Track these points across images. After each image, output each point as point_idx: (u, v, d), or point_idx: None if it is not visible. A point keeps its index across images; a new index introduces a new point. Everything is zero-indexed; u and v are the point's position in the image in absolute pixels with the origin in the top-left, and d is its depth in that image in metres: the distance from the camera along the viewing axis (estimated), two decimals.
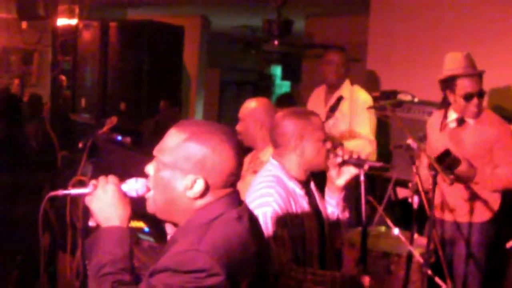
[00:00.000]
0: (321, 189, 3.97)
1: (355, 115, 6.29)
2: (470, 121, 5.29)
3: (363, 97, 6.36)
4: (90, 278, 2.49)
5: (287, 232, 3.54)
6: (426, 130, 5.59)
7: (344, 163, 3.78)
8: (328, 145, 3.77)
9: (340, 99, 6.46)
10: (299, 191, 3.70)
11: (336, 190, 3.89)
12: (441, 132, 5.44)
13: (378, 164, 3.89)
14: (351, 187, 4.02)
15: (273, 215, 3.52)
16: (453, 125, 5.38)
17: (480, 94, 5.19)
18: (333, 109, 6.44)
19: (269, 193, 3.59)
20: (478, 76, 5.23)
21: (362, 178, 3.73)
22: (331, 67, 6.55)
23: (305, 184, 3.78)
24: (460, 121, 5.33)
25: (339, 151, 3.78)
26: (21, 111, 7.79)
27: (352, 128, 6.29)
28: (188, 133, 2.46)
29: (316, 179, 3.96)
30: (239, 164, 2.52)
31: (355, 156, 3.79)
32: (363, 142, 6.13)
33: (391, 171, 5.71)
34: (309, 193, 3.80)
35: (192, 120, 2.61)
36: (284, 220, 3.54)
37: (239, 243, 2.41)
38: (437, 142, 5.40)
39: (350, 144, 5.87)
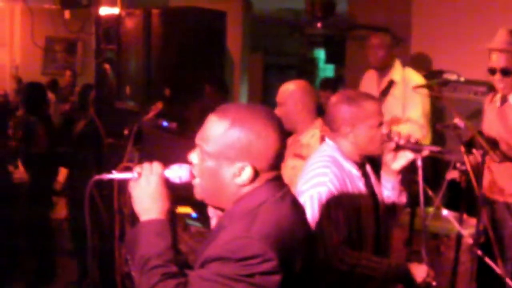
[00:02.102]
0: (378, 172, 3.94)
1: (407, 99, 6.21)
2: (511, 99, 5.23)
3: (415, 80, 6.25)
4: (136, 272, 2.47)
5: (342, 213, 3.51)
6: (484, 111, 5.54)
7: (399, 147, 3.73)
8: (384, 129, 3.71)
9: (391, 83, 6.40)
10: (355, 172, 3.67)
11: (392, 174, 3.83)
12: (490, 109, 5.40)
13: (436, 149, 3.82)
14: (407, 170, 3.96)
15: (328, 195, 3.49)
16: (497, 104, 5.34)
17: (504, 71, 5.13)
18: (384, 94, 6.38)
19: (325, 173, 3.57)
20: (509, 52, 5.15)
21: (419, 163, 3.68)
22: (372, 50, 6.51)
23: (361, 166, 3.75)
24: (503, 99, 5.28)
25: (394, 136, 3.73)
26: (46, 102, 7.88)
27: (398, 114, 6.20)
28: (230, 120, 2.42)
29: (373, 162, 3.93)
30: (283, 145, 2.49)
31: (412, 140, 3.74)
32: (412, 127, 6.03)
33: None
34: (365, 175, 3.77)
35: (232, 105, 2.53)
36: (339, 201, 3.50)
37: (289, 227, 2.39)
38: (486, 119, 5.36)
39: (401, 129, 5.79)
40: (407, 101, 6.21)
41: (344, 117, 3.67)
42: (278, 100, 4.91)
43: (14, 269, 6.83)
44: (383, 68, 6.49)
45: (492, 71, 5.16)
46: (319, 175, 3.58)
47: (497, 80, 5.17)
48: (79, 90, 7.92)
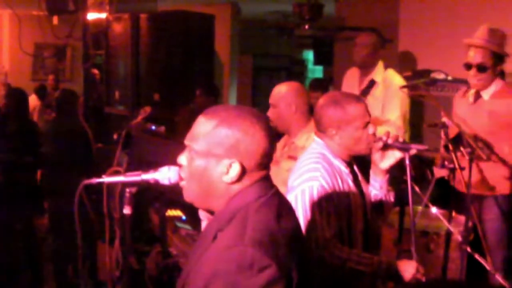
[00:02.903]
0: (365, 172, 3.97)
1: (386, 100, 6.24)
2: (485, 95, 5.29)
3: (397, 82, 6.27)
4: None
5: (333, 208, 3.55)
6: (453, 105, 5.59)
7: (387, 147, 3.76)
8: (371, 129, 3.75)
9: (372, 83, 6.42)
10: (344, 168, 3.72)
11: (380, 173, 3.88)
12: (461, 105, 5.46)
13: (423, 147, 3.85)
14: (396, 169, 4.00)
15: (320, 189, 3.54)
16: (470, 99, 5.40)
17: (480, 68, 5.18)
18: (364, 93, 6.40)
19: (316, 168, 3.62)
20: (486, 49, 5.20)
21: (407, 162, 3.71)
22: (358, 49, 6.55)
23: (349, 164, 3.80)
24: (476, 96, 5.34)
25: (383, 136, 3.76)
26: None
27: (378, 116, 6.22)
28: (217, 119, 2.45)
29: (360, 162, 3.97)
30: (272, 145, 2.50)
31: (400, 140, 3.77)
32: (389, 129, 6.06)
33: (431, 152, 5.68)
34: (353, 172, 3.81)
35: (220, 106, 2.55)
36: (330, 196, 3.56)
37: (280, 229, 2.40)
38: (457, 115, 5.40)
39: (379, 130, 5.79)
40: (386, 102, 6.23)
41: (330, 119, 3.72)
42: (271, 102, 4.90)
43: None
44: (366, 67, 6.52)
45: (468, 66, 5.24)
46: (311, 170, 3.63)
47: (471, 75, 5.24)
48: (57, 95, 7.87)
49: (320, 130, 3.80)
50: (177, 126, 7.40)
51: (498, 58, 5.24)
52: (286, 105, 4.82)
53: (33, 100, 12.88)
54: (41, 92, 13.35)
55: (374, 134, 3.77)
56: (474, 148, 4.54)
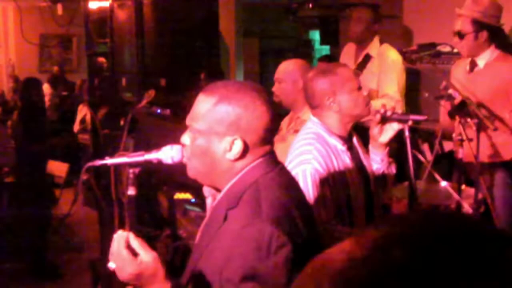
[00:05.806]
0: (365, 145, 3.97)
1: (383, 74, 6.22)
2: (480, 64, 5.29)
3: (392, 56, 6.28)
4: None
5: (329, 190, 3.53)
6: (450, 76, 5.59)
7: (386, 119, 3.76)
8: (365, 92, 3.76)
9: (367, 57, 6.42)
10: (340, 146, 3.69)
11: (379, 147, 3.88)
12: (458, 75, 5.46)
13: (421, 118, 3.85)
14: (395, 141, 4.00)
15: (313, 172, 3.52)
16: (467, 68, 5.41)
17: (459, 35, 5.27)
18: (360, 67, 6.40)
19: (308, 151, 3.59)
20: (466, 17, 5.27)
21: (407, 133, 3.71)
22: (353, 24, 6.55)
23: (347, 140, 3.77)
24: (472, 65, 5.34)
25: (381, 108, 3.76)
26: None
27: (380, 88, 6.23)
28: (217, 96, 2.44)
29: (359, 135, 3.96)
30: (273, 119, 2.50)
31: (399, 111, 3.77)
32: (388, 102, 6.06)
33: (436, 124, 5.66)
34: (351, 149, 3.79)
35: (219, 83, 2.56)
36: (324, 177, 3.53)
37: (292, 203, 2.41)
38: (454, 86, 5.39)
39: (375, 103, 5.81)
40: (382, 76, 6.23)
41: (323, 88, 3.71)
42: (277, 77, 5.00)
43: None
44: (362, 43, 6.51)
45: (454, 35, 5.28)
46: (303, 153, 3.61)
47: (455, 42, 5.30)
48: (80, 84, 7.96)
49: (315, 105, 3.78)
50: (185, 110, 7.41)
51: (480, 25, 5.23)
52: (293, 81, 4.90)
53: (46, 89, 12.94)
54: (54, 81, 13.55)
55: (369, 104, 3.78)
56: (481, 118, 4.52)
